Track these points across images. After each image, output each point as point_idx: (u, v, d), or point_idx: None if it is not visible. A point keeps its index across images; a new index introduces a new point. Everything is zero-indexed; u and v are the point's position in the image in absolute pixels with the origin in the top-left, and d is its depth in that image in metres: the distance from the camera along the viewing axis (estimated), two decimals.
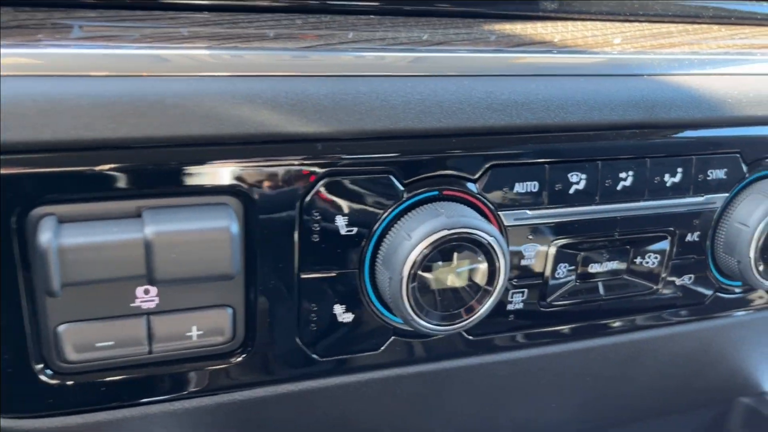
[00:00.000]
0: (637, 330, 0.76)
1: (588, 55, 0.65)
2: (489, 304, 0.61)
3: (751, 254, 0.70)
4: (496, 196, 0.62)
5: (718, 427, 1.04)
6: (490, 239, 0.59)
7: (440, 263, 0.59)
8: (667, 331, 0.78)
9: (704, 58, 0.70)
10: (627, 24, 0.72)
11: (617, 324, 0.74)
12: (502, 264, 0.60)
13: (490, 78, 0.60)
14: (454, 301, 0.60)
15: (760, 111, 0.70)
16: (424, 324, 0.59)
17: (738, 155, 0.71)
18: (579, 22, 0.70)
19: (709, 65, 0.69)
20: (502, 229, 0.63)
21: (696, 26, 0.75)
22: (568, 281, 0.69)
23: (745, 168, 0.71)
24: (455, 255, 0.59)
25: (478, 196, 0.62)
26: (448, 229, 0.57)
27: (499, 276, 0.60)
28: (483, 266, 0.60)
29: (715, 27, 0.76)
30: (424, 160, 0.59)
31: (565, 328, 0.71)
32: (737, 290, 0.78)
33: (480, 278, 0.60)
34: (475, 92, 0.59)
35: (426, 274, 0.59)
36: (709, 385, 0.95)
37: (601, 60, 0.65)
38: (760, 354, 0.92)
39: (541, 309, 0.69)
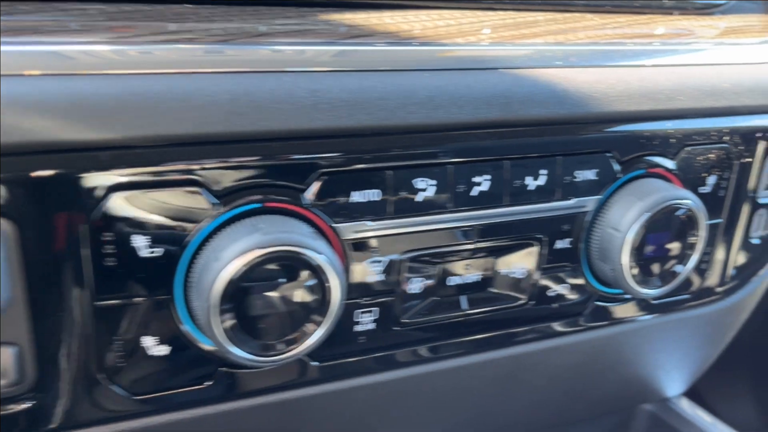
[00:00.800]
0: (512, 345, 0.70)
1: (435, 48, 0.59)
2: (323, 328, 0.54)
3: (624, 261, 0.65)
4: (330, 207, 0.55)
5: None
6: (318, 257, 0.52)
7: (264, 285, 0.52)
8: (548, 344, 0.73)
9: (569, 50, 0.64)
10: (489, 13, 0.66)
11: (488, 339, 0.68)
12: (335, 283, 0.53)
13: (316, 74, 0.53)
14: (281, 328, 0.53)
15: (630, 106, 0.64)
16: (241, 355, 0.52)
17: (609, 155, 0.65)
18: (434, 11, 0.63)
19: (574, 57, 0.64)
20: (341, 243, 0.57)
21: (566, 15, 0.69)
22: (426, 296, 0.63)
23: (617, 168, 0.66)
24: (282, 275, 0.52)
25: (309, 207, 0.55)
26: (263, 248, 0.50)
27: (331, 297, 0.53)
28: (313, 287, 0.53)
29: (588, 16, 0.70)
30: (241, 168, 0.52)
31: (426, 346, 0.65)
32: (620, 297, 0.73)
33: (311, 300, 0.53)
34: (297, 90, 0.52)
35: (249, 298, 0.52)
36: (607, 395, 0.90)
37: (450, 52, 0.59)
38: (659, 360, 0.88)
39: (397, 328, 0.62)
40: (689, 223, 0.67)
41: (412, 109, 0.56)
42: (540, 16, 0.67)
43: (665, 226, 0.66)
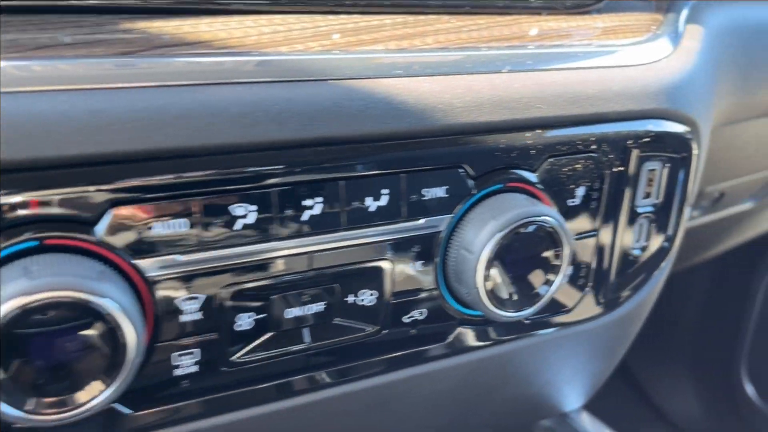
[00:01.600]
0: (372, 375, 0.65)
1: (252, 58, 0.53)
2: (119, 379, 0.48)
3: (479, 284, 0.60)
4: (126, 242, 0.49)
5: None
6: (103, 301, 0.45)
7: (46, 334, 0.46)
8: (416, 371, 0.68)
9: (411, 58, 0.58)
10: (330, 17, 0.60)
11: (340, 371, 0.62)
12: (128, 329, 0.47)
13: (97, 92, 0.47)
14: (68, 381, 0.47)
15: (481, 117, 0.59)
16: (9, 413, 0.45)
17: (461, 170, 0.60)
18: (262, 17, 0.57)
19: (417, 65, 0.58)
20: (145, 282, 0.50)
21: (419, 18, 0.64)
22: (260, 332, 0.57)
23: (471, 183, 0.61)
24: (70, 322, 0.46)
25: (100, 243, 0.48)
26: (30, 295, 0.44)
27: (126, 343, 0.47)
28: (103, 334, 0.47)
29: (445, 18, 0.65)
30: (14, 200, 0.46)
31: (266, 384, 0.59)
32: (487, 320, 0.68)
33: (102, 348, 0.47)
34: (74, 110, 0.45)
35: (29, 348, 0.45)
36: (498, 414, 0.86)
37: (270, 62, 0.53)
38: (549, 376, 0.84)
39: (227, 368, 0.56)
40: (551, 240, 0.62)
41: (222, 128, 0.50)
42: (388, 19, 0.62)
43: (525, 244, 0.61)
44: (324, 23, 0.59)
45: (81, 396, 0.47)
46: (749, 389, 1.93)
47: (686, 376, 2.06)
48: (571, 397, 0.90)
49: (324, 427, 0.67)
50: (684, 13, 0.78)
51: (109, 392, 0.47)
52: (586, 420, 0.91)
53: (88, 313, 0.45)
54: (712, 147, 1.02)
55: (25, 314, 0.44)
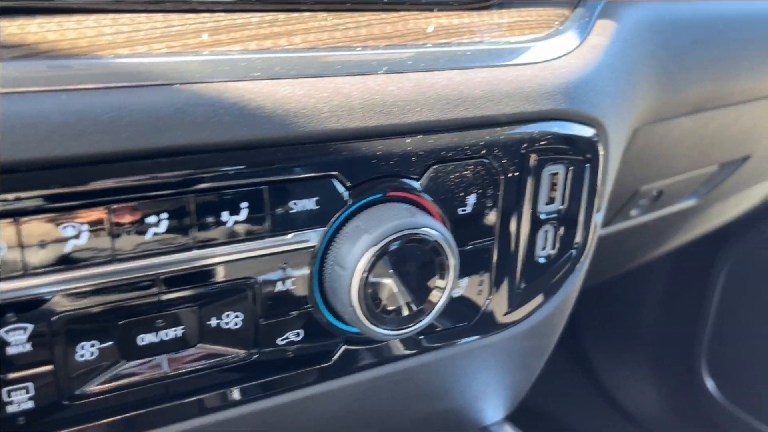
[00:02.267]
0: (248, 402, 0.60)
1: (77, 61, 0.48)
2: None
3: (354, 302, 0.55)
4: None
5: None
6: None
7: None
8: (301, 395, 0.63)
9: (272, 59, 0.54)
10: (188, 16, 0.55)
11: (209, 399, 0.58)
12: None
13: None
14: None
15: (352, 122, 0.55)
16: None
17: (334, 179, 0.56)
18: (108, 15, 0.52)
19: (278, 67, 0.53)
20: None
21: (292, 15, 0.59)
22: (108, 362, 0.52)
23: (345, 194, 0.57)
24: None
25: None
26: None
27: None
28: None
29: (321, 15, 0.60)
30: None
31: (118, 418, 0.54)
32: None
33: None
34: None
35: None
36: None
37: (99, 67, 0.48)
38: (460, 392, 0.80)
39: (71, 402, 0.51)
40: (435, 252, 0.58)
41: (41, 140, 0.45)
42: (255, 17, 0.57)
43: (406, 258, 0.57)
44: (179, 22, 0.54)
45: None
46: (709, 384, 1.92)
47: (647, 372, 2.05)
48: (490, 410, 0.86)
49: None
50: (596, 9, 0.74)
51: None
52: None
53: None
54: (643, 145, 0.98)
55: None
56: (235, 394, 0.58)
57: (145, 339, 0.53)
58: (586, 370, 2.09)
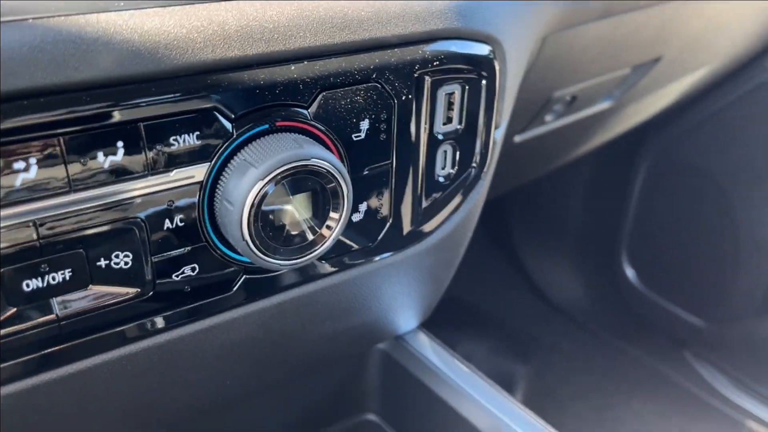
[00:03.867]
0: (147, 337, 0.61)
1: None
2: None
3: (246, 236, 0.55)
4: None
5: (359, 375, 0.96)
6: None
7: None
8: (203, 325, 0.64)
9: None
10: None
11: (104, 339, 0.58)
12: None
13: None
14: None
15: (230, 52, 0.53)
16: None
17: (216, 112, 0.54)
18: None
19: None
20: None
21: None
22: None
23: (228, 127, 0.55)
24: None
25: None
26: None
27: None
28: None
29: None
30: None
31: (17, 361, 0.54)
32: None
33: None
34: None
35: None
36: (325, 348, 0.85)
37: None
38: (376, 307, 0.82)
39: None
40: (328, 180, 0.58)
41: None
42: None
43: (296, 187, 0.57)
44: None
45: None
46: (630, 273, 2.03)
47: (572, 265, 2.16)
48: (404, 320, 0.90)
49: (105, 396, 0.63)
50: None
51: None
52: (422, 339, 0.91)
53: None
54: (552, 53, 0.98)
55: None
56: (134, 330, 0.59)
57: (31, 284, 0.52)
58: (516, 266, 2.19)
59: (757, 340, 1.68)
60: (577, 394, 1.67)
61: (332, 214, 0.60)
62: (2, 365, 0.53)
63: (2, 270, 0.50)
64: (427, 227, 0.74)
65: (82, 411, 0.64)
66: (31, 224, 0.50)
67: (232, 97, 0.54)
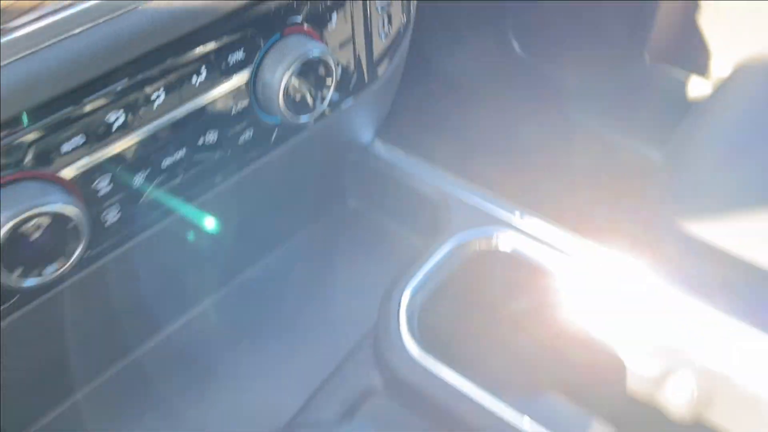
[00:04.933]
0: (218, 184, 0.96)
1: None
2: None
3: (282, 106, 0.90)
4: (47, 160, 0.74)
5: (337, 178, 1.35)
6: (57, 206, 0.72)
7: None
8: (253, 166, 1.00)
9: None
10: None
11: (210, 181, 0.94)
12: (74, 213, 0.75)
13: None
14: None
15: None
16: None
17: (247, 36, 0.86)
18: None
19: None
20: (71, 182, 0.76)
21: None
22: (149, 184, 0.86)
23: (259, 41, 0.87)
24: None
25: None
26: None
27: (76, 225, 0.75)
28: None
29: None
30: None
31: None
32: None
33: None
34: None
35: None
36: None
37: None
38: (353, 129, 1.20)
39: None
40: (324, 64, 0.92)
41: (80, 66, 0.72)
42: None
43: (308, 72, 0.91)
44: None
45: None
46: (516, 45, 2.38)
47: (466, 41, 2.46)
48: (367, 135, 1.28)
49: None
50: None
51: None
52: (379, 146, 1.30)
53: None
54: None
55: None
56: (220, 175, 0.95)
57: (166, 161, 0.86)
58: (417, 50, 2.49)
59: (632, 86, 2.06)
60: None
61: (327, 81, 0.94)
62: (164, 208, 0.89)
63: (155, 156, 0.83)
64: (379, 71, 1.10)
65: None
66: (168, 128, 0.82)
67: (253, 26, 0.85)
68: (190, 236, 1.01)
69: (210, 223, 1.00)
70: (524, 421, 0.90)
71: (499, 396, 0.93)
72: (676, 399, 1.01)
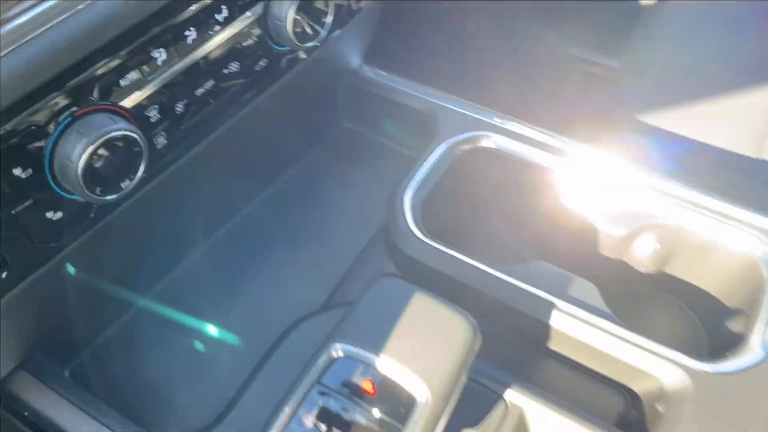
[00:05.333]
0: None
1: None
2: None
3: (292, 37, 1.05)
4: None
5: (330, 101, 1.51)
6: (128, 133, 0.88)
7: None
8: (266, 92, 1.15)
9: None
10: None
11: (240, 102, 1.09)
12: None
13: None
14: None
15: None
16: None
17: None
18: None
19: None
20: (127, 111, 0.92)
21: None
22: (189, 112, 1.01)
23: None
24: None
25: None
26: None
27: (141, 148, 0.91)
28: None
29: None
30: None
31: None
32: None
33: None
34: None
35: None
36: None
37: None
38: (343, 54, 1.35)
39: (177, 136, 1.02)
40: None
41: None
42: None
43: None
44: None
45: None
46: None
47: None
48: (356, 60, 1.43)
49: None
50: None
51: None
52: (367, 70, 1.45)
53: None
54: None
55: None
56: (239, 102, 1.10)
57: (200, 90, 1.01)
58: None
59: None
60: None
61: (325, 16, 1.09)
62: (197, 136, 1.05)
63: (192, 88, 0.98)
64: (361, 3, 1.25)
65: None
66: (198, 64, 0.97)
67: None
68: (224, 160, 1.17)
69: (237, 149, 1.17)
70: (517, 282, 1.10)
71: (494, 266, 1.12)
72: (642, 254, 1.21)
